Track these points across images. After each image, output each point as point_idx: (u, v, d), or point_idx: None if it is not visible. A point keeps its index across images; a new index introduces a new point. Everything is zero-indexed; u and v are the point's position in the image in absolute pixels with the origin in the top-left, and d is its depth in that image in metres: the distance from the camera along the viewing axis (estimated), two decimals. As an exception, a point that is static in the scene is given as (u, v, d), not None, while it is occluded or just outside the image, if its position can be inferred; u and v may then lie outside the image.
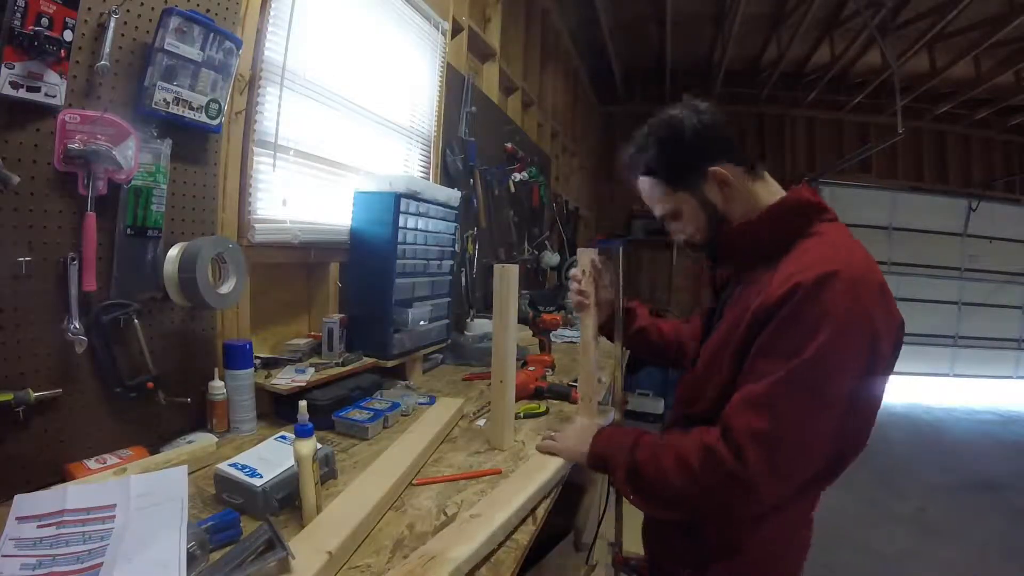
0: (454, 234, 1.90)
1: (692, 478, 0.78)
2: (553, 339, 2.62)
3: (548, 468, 1.04)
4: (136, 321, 1.00)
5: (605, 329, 1.27)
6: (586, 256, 1.25)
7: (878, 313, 0.77)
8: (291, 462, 0.85)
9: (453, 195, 1.86)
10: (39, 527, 0.70)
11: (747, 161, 0.91)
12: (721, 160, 0.89)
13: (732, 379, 0.82)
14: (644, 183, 0.97)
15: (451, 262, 1.90)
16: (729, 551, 0.88)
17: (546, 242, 3.82)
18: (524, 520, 0.91)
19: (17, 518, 0.71)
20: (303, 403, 0.83)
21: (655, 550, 1.05)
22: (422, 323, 1.68)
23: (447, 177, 2.30)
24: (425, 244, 1.71)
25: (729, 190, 0.90)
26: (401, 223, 1.55)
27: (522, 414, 1.40)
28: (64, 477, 0.88)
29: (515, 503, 0.90)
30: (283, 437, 1.02)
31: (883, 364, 0.79)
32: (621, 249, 1.21)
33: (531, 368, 1.71)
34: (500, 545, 0.83)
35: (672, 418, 1.04)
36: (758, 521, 0.84)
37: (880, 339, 0.77)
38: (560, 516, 1.71)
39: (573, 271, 1.25)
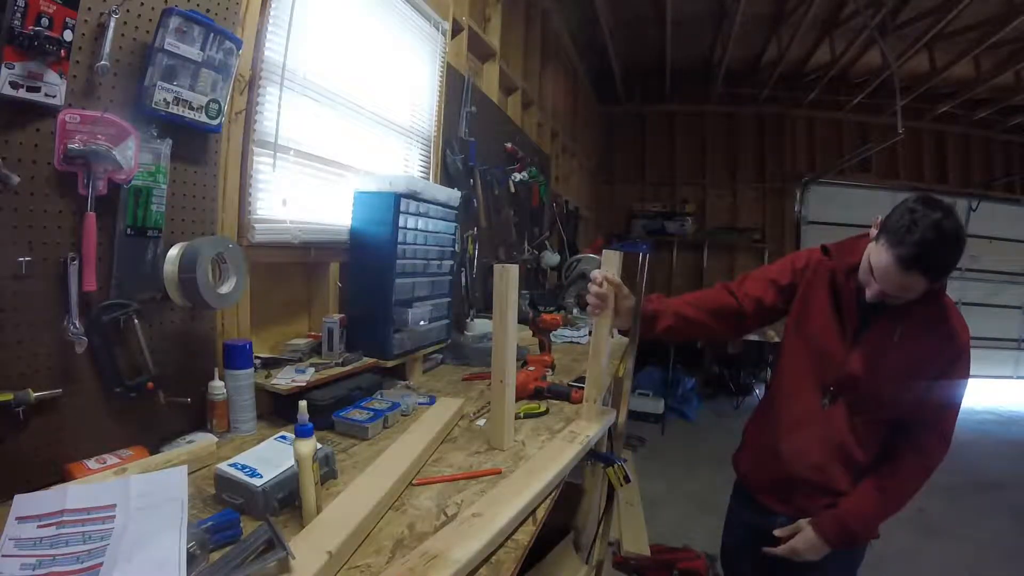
0: (454, 234, 1.90)
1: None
2: (553, 339, 2.62)
3: (550, 468, 1.04)
4: (136, 321, 1.00)
5: (627, 333, 1.35)
6: (611, 258, 1.24)
7: None
8: (291, 462, 0.85)
9: (453, 195, 1.86)
10: (39, 527, 0.70)
11: None
12: None
13: (921, 399, 1.20)
14: (916, 278, 1.08)
15: (451, 262, 1.90)
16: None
17: (546, 242, 3.82)
18: (524, 520, 0.91)
19: (17, 518, 0.71)
20: (303, 403, 0.83)
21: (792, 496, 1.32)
22: (422, 323, 1.68)
23: (447, 177, 2.30)
24: (425, 244, 1.71)
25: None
26: (401, 223, 1.55)
27: (522, 414, 1.40)
28: (64, 477, 0.88)
29: (518, 503, 0.90)
30: (283, 437, 1.02)
31: None
32: (645, 255, 1.21)
33: (531, 368, 1.71)
34: (501, 545, 0.83)
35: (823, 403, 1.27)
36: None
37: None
38: (560, 516, 1.71)
39: (595, 273, 1.25)
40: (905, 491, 1.25)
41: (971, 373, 1.21)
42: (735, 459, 1.51)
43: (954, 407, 1.23)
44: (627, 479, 1.30)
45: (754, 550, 1.35)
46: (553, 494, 1.02)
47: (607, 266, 1.25)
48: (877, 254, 1.10)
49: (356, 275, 1.63)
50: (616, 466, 1.28)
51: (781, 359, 1.40)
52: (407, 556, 0.75)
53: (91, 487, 0.81)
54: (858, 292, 1.22)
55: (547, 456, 1.11)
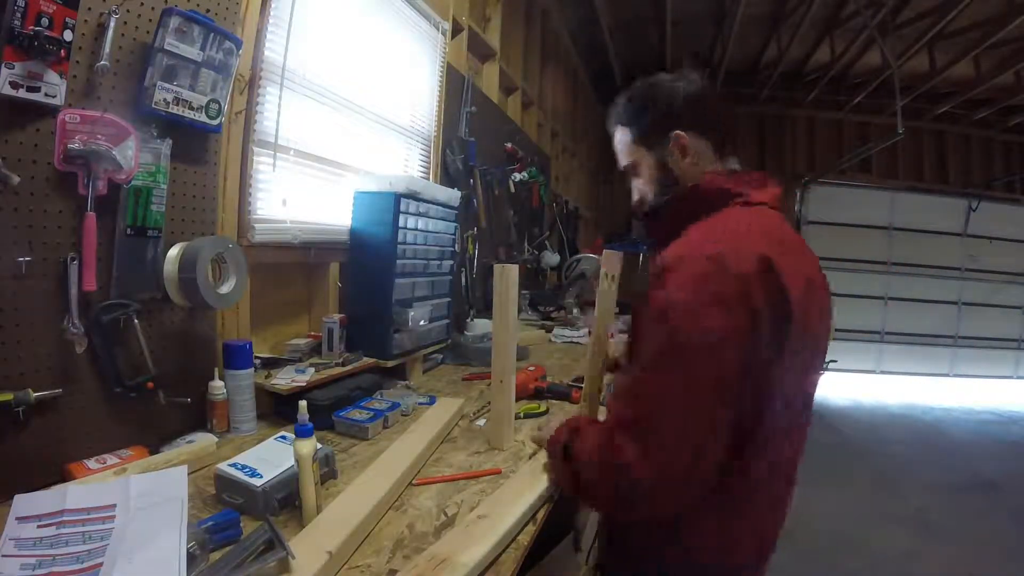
0: (454, 234, 1.90)
1: (591, 461, 0.79)
2: (553, 339, 2.62)
3: (549, 469, 1.04)
4: (136, 321, 1.00)
5: None
6: (611, 258, 1.24)
7: (734, 291, 0.72)
8: (291, 462, 0.85)
9: (453, 195, 1.86)
10: (39, 527, 0.70)
11: (720, 142, 0.93)
12: (691, 131, 0.91)
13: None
14: (617, 132, 1.00)
15: (451, 262, 1.90)
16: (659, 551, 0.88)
17: (546, 242, 3.82)
18: (528, 522, 0.91)
19: (17, 518, 0.71)
20: (303, 403, 0.83)
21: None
22: (422, 323, 1.68)
23: (447, 177, 2.30)
24: (425, 244, 1.71)
25: (688, 161, 0.92)
26: (401, 223, 1.55)
27: (522, 414, 1.40)
28: (64, 477, 0.88)
29: (523, 504, 0.90)
30: (283, 437, 1.02)
31: (770, 340, 0.73)
32: (646, 255, 1.20)
33: (531, 368, 1.71)
34: (506, 548, 0.82)
35: None
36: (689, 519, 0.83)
37: (758, 316, 0.71)
38: (560, 516, 1.71)
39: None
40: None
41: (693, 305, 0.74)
42: None
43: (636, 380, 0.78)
44: None
45: None
46: (554, 495, 1.02)
47: (607, 266, 1.25)
48: None
49: (356, 275, 1.63)
50: None
51: None
52: (415, 560, 0.74)
53: (91, 487, 0.81)
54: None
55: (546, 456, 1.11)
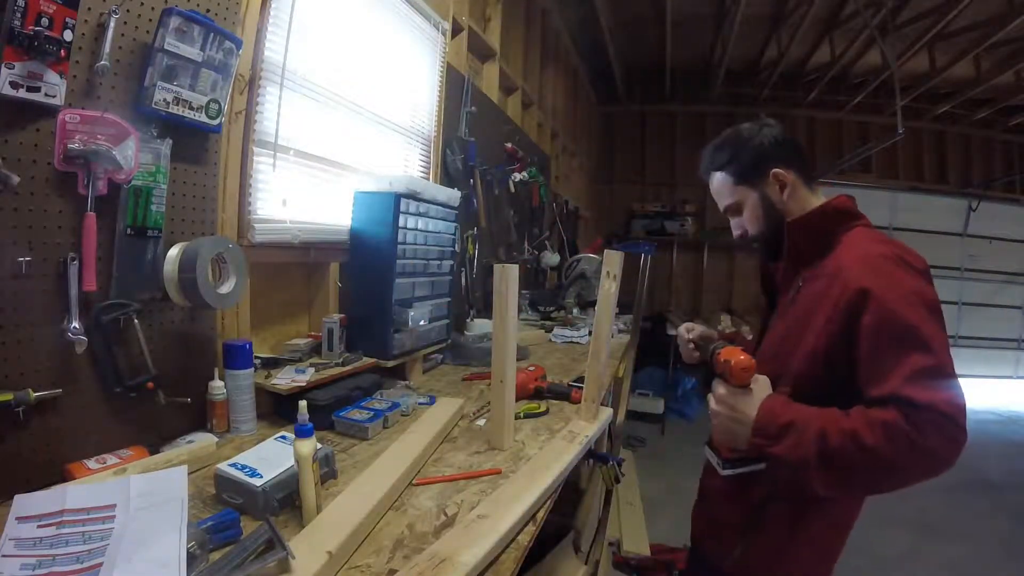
0: (454, 234, 1.90)
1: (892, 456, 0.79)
2: (553, 339, 2.62)
3: (552, 469, 1.04)
4: (136, 321, 1.00)
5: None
6: (614, 258, 1.24)
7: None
8: (291, 462, 0.85)
9: (453, 195, 1.86)
10: (39, 527, 0.70)
11: (808, 174, 1.08)
12: (783, 166, 1.05)
13: (816, 350, 0.92)
14: (716, 178, 1.11)
15: (451, 262, 1.90)
16: (783, 540, 1.02)
17: (546, 242, 3.82)
18: (527, 522, 0.91)
19: (17, 518, 0.71)
20: (303, 403, 0.83)
21: (706, 533, 1.18)
22: (422, 323, 1.68)
23: (447, 177, 2.30)
24: (425, 244, 1.71)
25: (788, 191, 1.05)
26: (401, 223, 1.55)
27: (522, 414, 1.40)
28: (64, 477, 0.88)
29: (523, 504, 0.90)
30: (283, 437, 1.02)
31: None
32: (648, 256, 1.21)
33: (531, 368, 1.71)
34: (506, 548, 0.82)
35: None
36: (812, 516, 1.01)
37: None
38: (560, 516, 1.71)
39: (682, 332, 1.18)
40: (846, 432, 0.81)
41: (915, 311, 0.83)
42: None
43: (899, 359, 0.81)
44: (617, 480, 1.30)
45: None
46: (554, 494, 1.02)
47: (608, 266, 1.24)
48: None
49: (356, 275, 1.63)
50: (610, 465, 1.28)
51: None
52: (415, 560, 0.74)
53: (91, 487, 0.81)
54: (764, 278, 1.17)
55: (548, 456, 1.11)
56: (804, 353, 0.94)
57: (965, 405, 0.78)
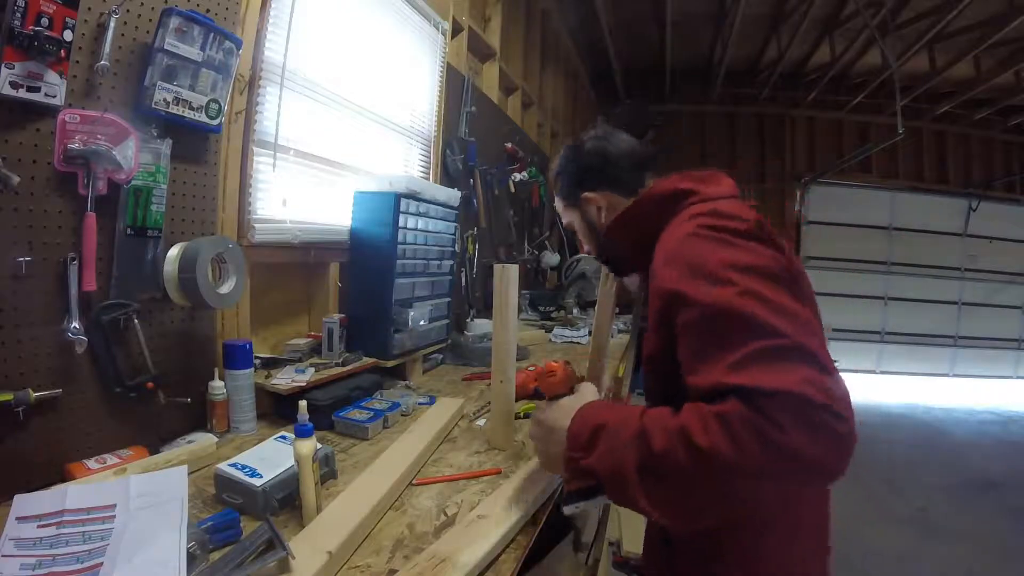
0: (454, 234, 1.90)
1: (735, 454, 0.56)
2: (553, 339, 2.62)
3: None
4: (136, 321, 1.00)
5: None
6: None
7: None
8: (291, 462, 0.85)
9: (453, 195, 1.86)
10: (39, 527, 0.70)
11: (626, 186, 1.01)
12: (601, 187, 1.02)
13: (654, 361, 0.79)
14: (556, 197, 1.13)
15: (451, 262, 1.90)
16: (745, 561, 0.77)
17: (546, 242, 3.82)
18: (528, 522, 0.91)
19: (17, 518, 0.71)
20: (303, 403, 0.83)
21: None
22: (422, 323, 1.68)
23: (447, 177, 2.30)
24: (425, 244, 1.71)
25: (603, 212, 1.03)
26: (401, 223, 1.55)
27: (522, 414, 1.40)
28: (64, 477, 0.88)
29: (524, 504, 0.90)
30: (283, 437, 1.02)
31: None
32: None
33: (531, 368, 1.70)
34: (506, 548, 0.82)
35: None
36: (769, 523, 0.77)
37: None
38: (560, 516, 1.71)
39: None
40: (663, 435, 0.60)
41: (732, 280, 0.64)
42: None
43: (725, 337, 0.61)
44: None
45: None
46: (555, 494, 1.02)
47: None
48: None
49: (356, 275, 1.63)
50: None
51: None
52: (415, 560, 0.74)
53: (91, 487, 0.81)
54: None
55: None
56: (648, 353, 0.82)
57: (845, 394, 0.57)
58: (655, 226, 0.84)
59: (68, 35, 0.84)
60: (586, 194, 1.03)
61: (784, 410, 0.54)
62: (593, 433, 0.66)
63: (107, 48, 0.90)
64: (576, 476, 0.68)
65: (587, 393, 0.78)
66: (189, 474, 0.92)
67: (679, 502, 0.61)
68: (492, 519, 0.84)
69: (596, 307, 1.28)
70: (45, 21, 0.80)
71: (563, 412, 0.73)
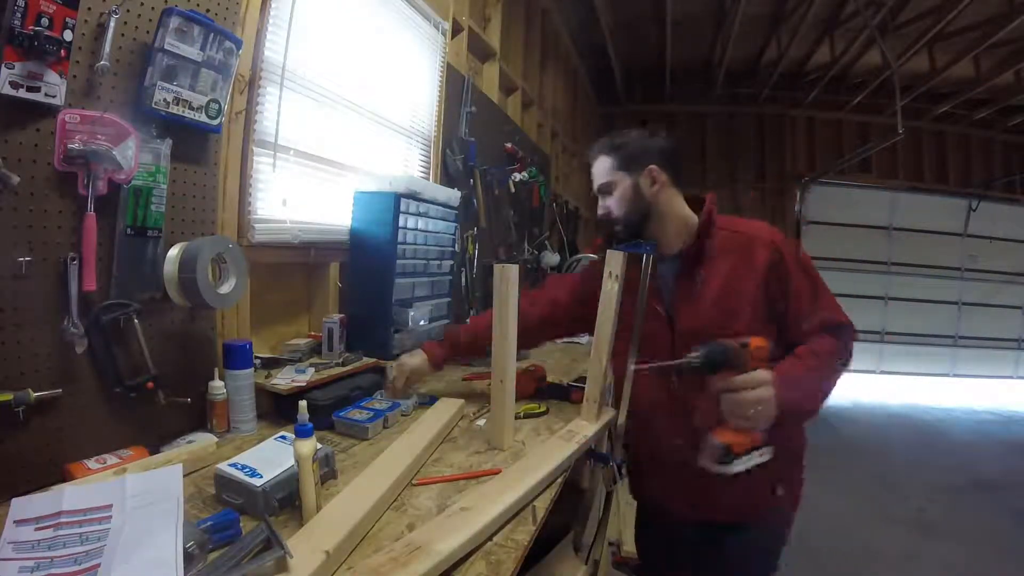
0: (454, 234, 1.90)
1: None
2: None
3: (543, 466, 1.04)
4: (136, 321, 1.00)
5: None
6: (616, 258, 1.24)
7: None
8: (291, 462, 0.85)
9: (453, 195, 1.86)
10: (36, 530, 0.70)
11: (679, 181, 1.27)
12: (660, 166, 1.24)
13: (757, 305, 1.16)
14: (600, 160, 1.28)
15: (451, 262, 1.90)
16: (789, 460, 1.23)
17: (546, 242, 3.82)
18: (515, 516, 0.91)
19: (15, 521, 0.71)
20: (303, 403, 0.83)
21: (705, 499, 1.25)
22: (422, 323, 1.68)
23: (447, 177, 2.30)
24: (425, 244, 1.71)
25: (657, 187, 1.24)
26: (401, 223, 1.55)
27: (522, 414, 1.40)
28: (64, 477, 0.88)
29: (507, 499, 0.90)
30: (283, 437, 1.02)
31: None
32: (650, 256, 1.21)
33: (531, 368, 1.70)
34: (488, 540, 0.83)
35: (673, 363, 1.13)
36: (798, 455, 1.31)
37: None
38: (560, 516, 1.71)
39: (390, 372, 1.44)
40: (823, 360, 1.14)
41: (812, 264, 1.23)
42: (632, 485, 1.51)
43: (819, 300, 1.20)
44: (614, 480, 1.30)
45: (670, 556, 1.42)
46: (550, 493, 1.02)
47: (610, 267, 1.24)
48: None
49: (356, 275, 1.63)
50: (610, 466, 1.28)
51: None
52: (391, 546, 0.76)
53: (87, 488, 0.81)
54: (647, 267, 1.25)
55: (542, 454, 1.11)
56: (748, 312, 1.15)
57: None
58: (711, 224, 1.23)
59: (68, 35, 0.84)
60: (654, 167, 1.22)
61: (851, 330, 1.23)
62: (795, 385, 1.04)
63: (107, 48, 0.90)
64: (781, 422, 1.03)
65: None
66: (189, 474, 0.92)
67: (826, 396, 1.14)
68: (474, 511, 0.85)
69: (599, 307, 1.27)
70: (45, 21, 0.80)
71: (763, 378, 1.01)
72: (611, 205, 1.27)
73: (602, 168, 1.27)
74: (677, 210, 1.26)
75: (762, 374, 1.00)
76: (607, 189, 1.27)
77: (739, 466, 0.99)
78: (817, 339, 1.15)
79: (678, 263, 1.25)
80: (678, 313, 1.24)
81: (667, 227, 1.25)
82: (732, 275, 1.19)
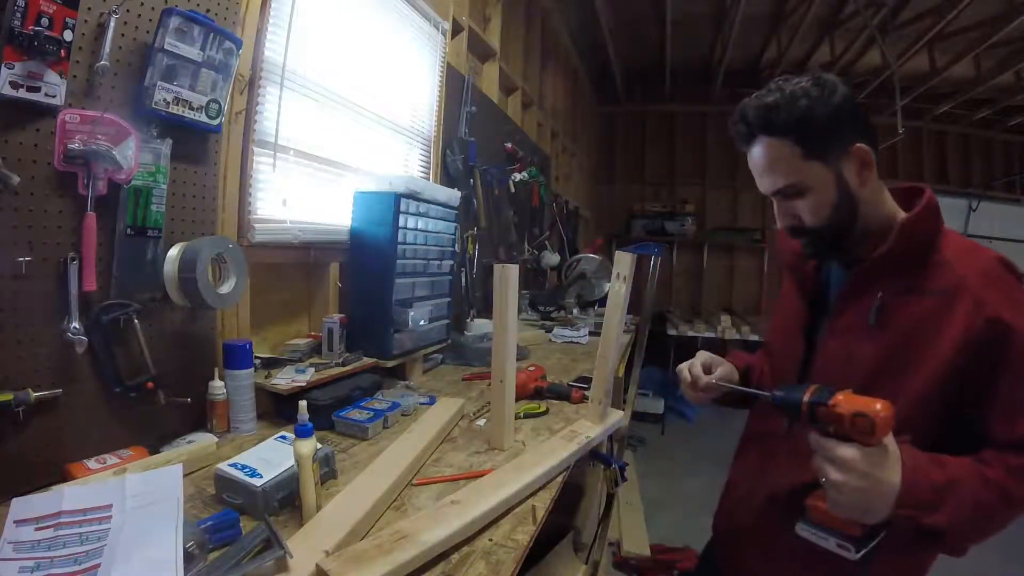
0: (454, 234, 1.90)
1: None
2: (553, 339, 2.62)
3: (539, 465, 1.04)
4: (136, 321, 1.00)
5: (724, 401, 1.07)
6: (625, 260, 1.23)
7: None
8: (291, 462, 0.85)
9: (453, 195, 1.86)
10: (36, 530, 0.70)
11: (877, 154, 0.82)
12: (865, 140, 0.80)
13: (935, 385, 0.76)
14: (769, 146, 0.81)
15: (451, 262, 1.90)
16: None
17: (546, 242, 3.82)
18: (511, 512, 0.91)
19: (15, 521, 0.71)
20: (303, 403, 0.83)
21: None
22: (422, 323, 1.68)
23: (447, 177, 2.30)
24: (425, 244, 1.71)
25: (867, 175, 0.80)
26: (401, 223, 1.55)
27: (522, 414, 1.40)
28: (64, 477, 0.88)
29: (498, 495, 0.90)
30: (283, 437, 1.02)
31: None
32: (657, 258, 1.14)
33: (531, 368, 1.71)
34: (478, 534, 0.84)
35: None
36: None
37: None
38: (560, 516, 1.71)
39: (682, 370, 1.04)
40: (1003, 491, 0.72)
41: None
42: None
43: None
44: (616, 484, 1.30)
45: None
46: (550, 493, 1.02)
47: (619, 268, 1.22)
48: None
49: (356, 275, 1.63)
50: (612, 468, 1.28)
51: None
52: (378, 534, 0.77)
53: (87, 488, 0.81)
54: (819, 269, 0.95)
55: (540, 453, 1.11)
56: (919, 389, 0.76)
57: None
58: (935, 234, 0.82)
59: (68, 35, 0.84)
60: (860, 145, 0.79)
61: None
62: (937, 493, 0.69)
63: (107, 48, 0.90)
64: (901, 526, 0.70)
65: (892, 440, 0.70)
66: (189, 474, 0.92)
67: (978, 534, 0.74)
68: (464, 505, 0.86)
69: (607, 307, 1.26)
70: (45, 21, 0.80)
71: (888, 466, 0.69)
72: (802, 212, 0.83)
73: (778, 160, 0.81)
74: (884, 208, 0.85)
75: (867, 455, 0.67)
76: (794, 191, 0.82)
77: (807, 533, 0.75)
78: (1009, 456, 0.73)
79: (853, 277, 0.86)
80: (823, 344, 0.89)
81: (868, 232, 0.84)
82: (921, 327, 0.77)
